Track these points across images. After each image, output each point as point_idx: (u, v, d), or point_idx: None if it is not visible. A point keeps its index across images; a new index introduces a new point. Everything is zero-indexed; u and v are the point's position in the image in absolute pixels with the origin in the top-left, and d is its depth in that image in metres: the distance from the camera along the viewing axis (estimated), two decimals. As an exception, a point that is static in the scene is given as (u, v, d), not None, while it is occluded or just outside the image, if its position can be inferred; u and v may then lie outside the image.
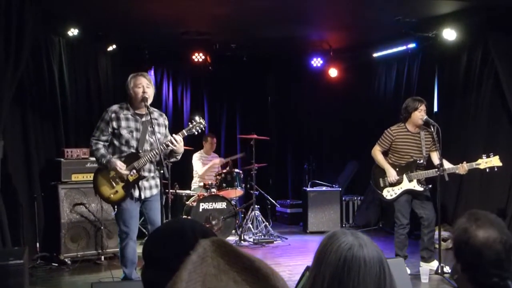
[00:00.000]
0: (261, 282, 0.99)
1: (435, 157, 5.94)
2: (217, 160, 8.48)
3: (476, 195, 6.99)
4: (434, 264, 5.88)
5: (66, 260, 6.28)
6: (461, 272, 1.97)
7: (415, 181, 5.93)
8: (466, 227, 1.95)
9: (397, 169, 5.98)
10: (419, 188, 5.94)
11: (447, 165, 5.76)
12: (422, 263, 5.99)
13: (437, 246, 6.01)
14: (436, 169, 5.73)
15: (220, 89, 10.10)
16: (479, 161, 5.61)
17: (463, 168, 5.65)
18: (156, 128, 4.88)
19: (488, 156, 5.57)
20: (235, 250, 1.03)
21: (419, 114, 5.87)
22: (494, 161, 5.56)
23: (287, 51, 9.45)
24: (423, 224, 5.97)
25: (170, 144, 4.79)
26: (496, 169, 5.60)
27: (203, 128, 5.07)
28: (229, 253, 1.01)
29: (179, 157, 5.03)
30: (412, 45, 8.10)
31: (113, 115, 4.87)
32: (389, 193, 6.03)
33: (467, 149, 7.08)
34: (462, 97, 7.32)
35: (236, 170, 7.97)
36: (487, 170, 5.62)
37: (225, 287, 0.94)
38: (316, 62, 9.41)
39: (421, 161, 5.96)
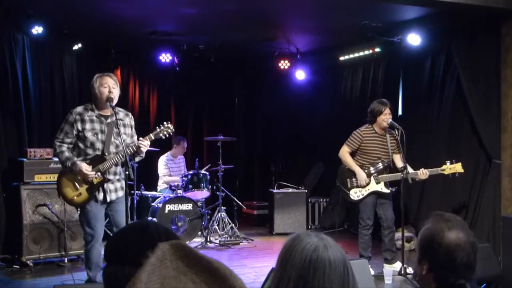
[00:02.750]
0: (220, 282, 1.01)
1: (398, 160, 6.07)
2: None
3: (438, 197, 7.13)
4: (397, 265, 5.97)
5: (28, 262, 6.15)
6: (427, 272, 1.99)
7: (382, 183, 6.03)
8: (439, 228, 1.97)
9: (365, 171, 6.07)
10: (386, 190, 6.05)
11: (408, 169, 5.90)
12: (385, 265, 6.08)
13: (400, 247, 6.12)
14: (401, 173, 5.86)
15: (187, 90, 10.04)
16: (444, 166, 5.87)
17: (422, 173, 5.82)
18: (122, 129, 4.82)
19: (452, 163, 5.85)
20: (194, 252, 1.04)
21: (384, 117, 5.98)
22: (457, 167, 5.85)
23: (255, 53, 9.47)
24: (383, 225, 6.10)
25: (137, 150, 4.75)
26: (457, 175, 5.89)
27: (171, 133, 5.04)
28: (188, 255, 1.02)
29: (143, 155, 4.99)
30: (377, 49, 8.22)
31: (77, 117, 4.79)
32: (356, 194, 6.11)
33: (430, 152, 7.23)
34: (425, 101, 7.45)
35: (203, 172, 7.94)
36: (450, 176, 5.90)
37: (183, 288, 0.96)
38: (284, 64, 9.44)
39: (389, 163, 6.09)
